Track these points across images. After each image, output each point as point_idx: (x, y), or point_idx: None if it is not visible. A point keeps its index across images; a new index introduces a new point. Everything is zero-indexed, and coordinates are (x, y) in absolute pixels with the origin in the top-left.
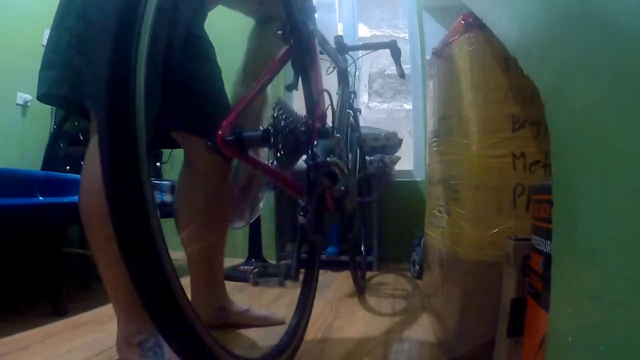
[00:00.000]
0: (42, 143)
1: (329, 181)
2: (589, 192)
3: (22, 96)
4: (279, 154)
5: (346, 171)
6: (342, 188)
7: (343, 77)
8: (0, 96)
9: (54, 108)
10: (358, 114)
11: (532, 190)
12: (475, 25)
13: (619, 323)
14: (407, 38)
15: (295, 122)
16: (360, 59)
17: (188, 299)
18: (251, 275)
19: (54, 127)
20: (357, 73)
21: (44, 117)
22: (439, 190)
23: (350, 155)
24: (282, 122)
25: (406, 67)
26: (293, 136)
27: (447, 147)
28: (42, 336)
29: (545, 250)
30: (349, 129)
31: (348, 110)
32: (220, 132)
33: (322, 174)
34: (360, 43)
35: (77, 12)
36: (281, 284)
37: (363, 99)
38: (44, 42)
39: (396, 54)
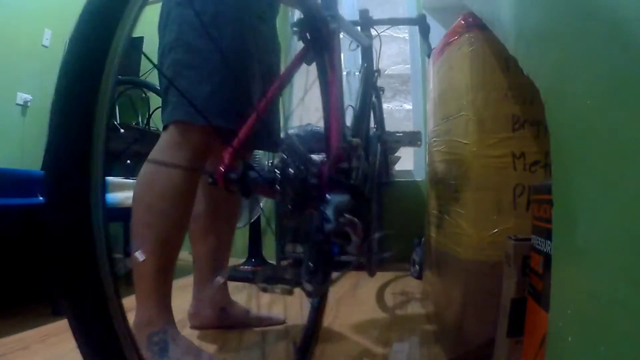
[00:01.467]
0: (42, 143)
1: (342, 241)
2: (589, 192)
3: (22, 96)
4: (285, 205)
5: (360, 229)
6: (355, 253)
7: (366, 55)
8: (0, 96)
9: None
10: (381, 93)
11: (532, 190)
12: (475, 25)
13: (619, 323)
14: (407, 38)
15: (305, 172)
16: (378, 39)
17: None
18: (257, 278)
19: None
20: (381, 48)
21: (44, 117)
22: (439, 190)
23: (370, 159)
24: (291, 169)
25: (406, 67)
26: (302, 188)
27: (447, 147)
28: (42, 336)
29: (545, 250)
30: (372, 111)
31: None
32: (221, 168)
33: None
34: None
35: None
36: (290, 293)
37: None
38: (44, 42)
39: (425, 29)
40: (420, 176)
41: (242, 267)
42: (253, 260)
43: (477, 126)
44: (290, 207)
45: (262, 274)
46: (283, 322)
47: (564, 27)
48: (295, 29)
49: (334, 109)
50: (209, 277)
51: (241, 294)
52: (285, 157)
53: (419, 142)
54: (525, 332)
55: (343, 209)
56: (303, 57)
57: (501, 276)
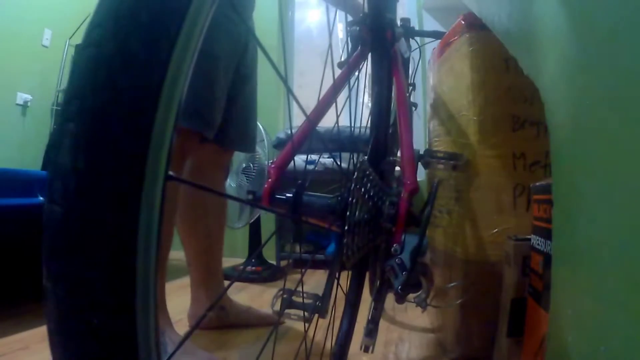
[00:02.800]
0: (42, 143)
1: (411, 291)
2: (589, 192)
3: (22, 96)
4: (348, 249)
5: (432, 275)
6: (423, 305)
7: (404, 67)
8: (0, 96)
9: (54, 108)
10: (414, 109)
11: (532, 190)
12: (475, 25)
13: (619, 323)
14: None
15: (380, 209)
16: (419, 48)
17: None
18: (274, 305)
19: (54, 127)
20: (419, 62)
21: (44, 117)
22: (439, 190)
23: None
24: (366, 200)
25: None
26: (374, 228)
27: (447, 147)
28: (42, 336)
29: (545, 250)
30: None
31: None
32: (267, 186)
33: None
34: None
35: None
36: (308, 321)
37: (365, 99)
38: (44, 43)
39: None
40: (420, 176)
41: (241, 267)
42: (253, 260)
43: (478, 126)
44: (355, 249)
45: (283, 300)
46: (283, 322)
47: (564, 27)
48: (353, 27)
49: (405, 133)
50: (205, 277)
51: (241, 294)
52: (358, 186)
53: (462, 165)
54: (525, 332)
55: (419, 253)
56: (359, 63)
57: (501, 276)
